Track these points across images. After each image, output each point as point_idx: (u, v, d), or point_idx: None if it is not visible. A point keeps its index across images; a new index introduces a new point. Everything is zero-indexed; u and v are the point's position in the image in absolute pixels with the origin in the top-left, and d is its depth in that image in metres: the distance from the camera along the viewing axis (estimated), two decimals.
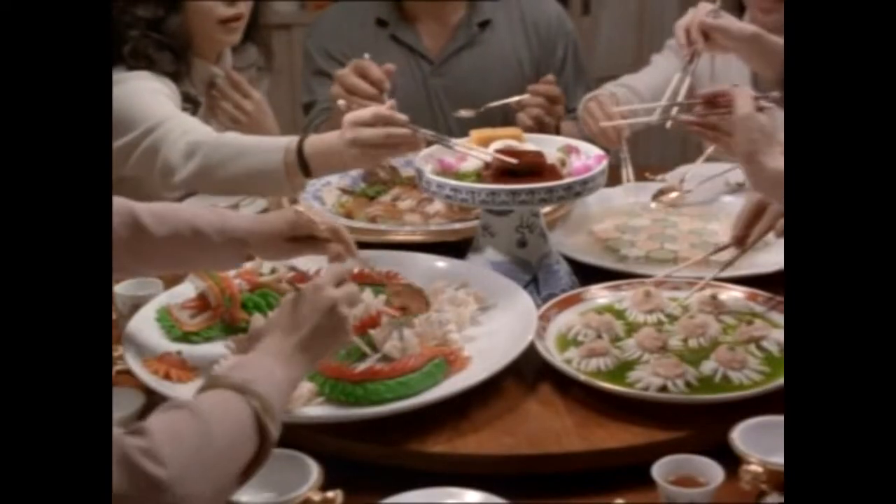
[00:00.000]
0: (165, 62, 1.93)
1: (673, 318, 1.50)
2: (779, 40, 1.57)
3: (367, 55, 1.91)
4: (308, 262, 1.52)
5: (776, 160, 1.28)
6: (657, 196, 2.02)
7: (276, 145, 1.64)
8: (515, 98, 2.04)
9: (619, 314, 1.52)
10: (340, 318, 1.21)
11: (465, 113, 2.02)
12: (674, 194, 2.02)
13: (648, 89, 2.21)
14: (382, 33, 2.26)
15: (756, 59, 1.65)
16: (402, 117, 1.55)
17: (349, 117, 1.56)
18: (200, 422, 1.01)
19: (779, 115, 1.27)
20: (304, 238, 1.40)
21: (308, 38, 2.36)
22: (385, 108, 1.57)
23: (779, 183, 1.24)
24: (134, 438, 0.95)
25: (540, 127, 2.03)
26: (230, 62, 2.11)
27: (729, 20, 1.63)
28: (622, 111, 1.94)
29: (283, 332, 1.18)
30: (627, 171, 2.04)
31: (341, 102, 1.74)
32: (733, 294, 1.56)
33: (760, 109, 1.32)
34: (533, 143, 1.69)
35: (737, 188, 2.04)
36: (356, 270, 1.47)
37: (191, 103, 2.00)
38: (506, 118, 2.10)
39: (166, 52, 1.93)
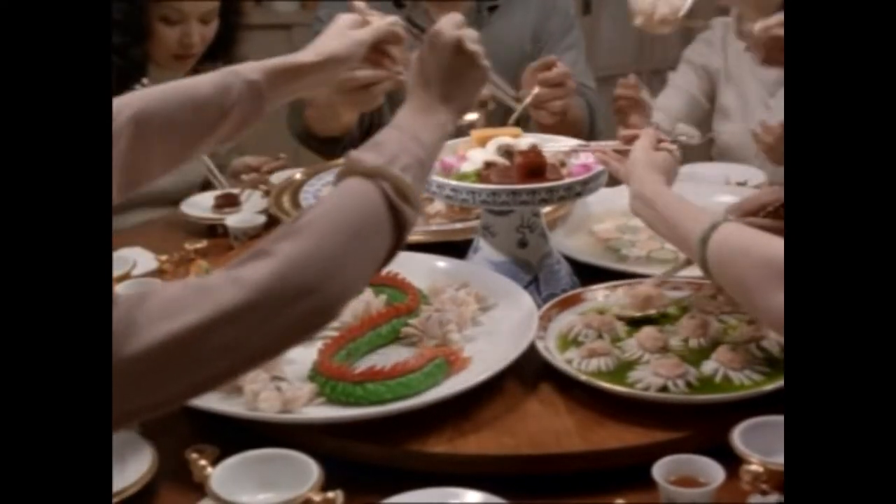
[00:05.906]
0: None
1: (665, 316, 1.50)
2: None
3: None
4: None
5: (650, 185, 1.41)
6: None
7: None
8: (531, 96, 2.00)
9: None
10: (470, 55, 1.20)
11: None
12: None
13: (677, 110, 2.35)
14: (399, 14, 2.30)
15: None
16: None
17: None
18: (328, 220, 1.02)
19: (677, 155, 1.50)
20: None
21: (320, 9, 2.38)
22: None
23: (648, 203, 1.39)
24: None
25: (563, 115, 2.05)
26: None
27: None
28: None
29: (419, 87, 1.17)
30: None
31: None
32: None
33: (659, 148, 1.48)
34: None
35: (737, 188, 2.04)
36: None
37: None
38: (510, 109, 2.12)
39: (123, 77, 2.05)
